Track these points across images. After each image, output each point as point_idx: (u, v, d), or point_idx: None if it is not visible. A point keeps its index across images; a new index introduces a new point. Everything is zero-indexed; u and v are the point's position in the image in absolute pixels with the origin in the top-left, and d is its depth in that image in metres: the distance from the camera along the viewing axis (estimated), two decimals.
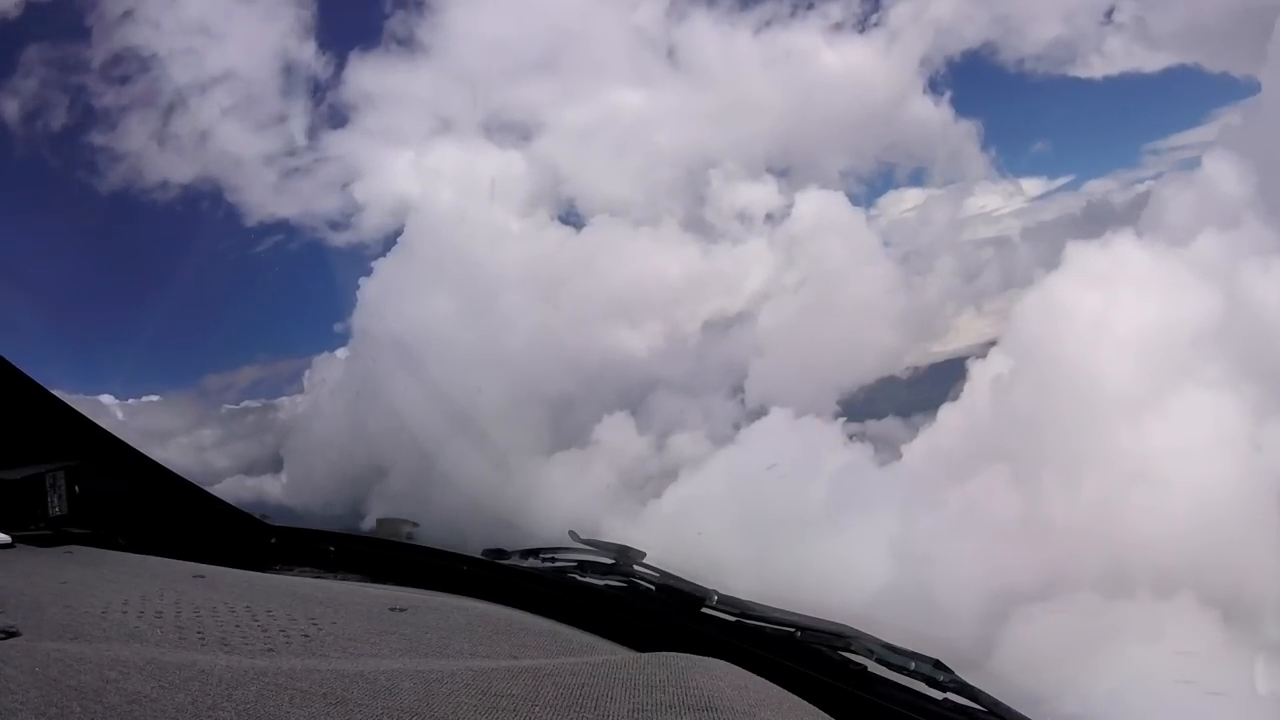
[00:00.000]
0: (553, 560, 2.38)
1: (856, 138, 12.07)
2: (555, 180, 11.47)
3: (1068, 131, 13.25)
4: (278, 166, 11.09)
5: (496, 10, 11.86)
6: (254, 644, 1.58)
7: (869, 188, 12.17)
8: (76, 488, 2.78)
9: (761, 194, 11.84)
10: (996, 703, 1.56)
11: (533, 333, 10.58)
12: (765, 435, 9.78)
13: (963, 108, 11.80)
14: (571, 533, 2.43)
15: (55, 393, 2.83)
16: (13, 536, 2.48)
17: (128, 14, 10.03)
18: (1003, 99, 12.58)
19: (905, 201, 12.37)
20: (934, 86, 11.77)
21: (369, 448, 10.47)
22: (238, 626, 1.68)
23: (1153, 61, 11.29)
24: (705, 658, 1.38)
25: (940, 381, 10.73)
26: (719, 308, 11.58)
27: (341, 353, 11.45)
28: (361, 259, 11.29)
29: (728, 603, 1.91)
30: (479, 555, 2.52)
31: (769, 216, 11.84)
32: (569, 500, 9.61)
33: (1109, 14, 11.49)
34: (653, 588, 2.06)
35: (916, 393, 11.10)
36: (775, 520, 8.30)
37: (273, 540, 2.91)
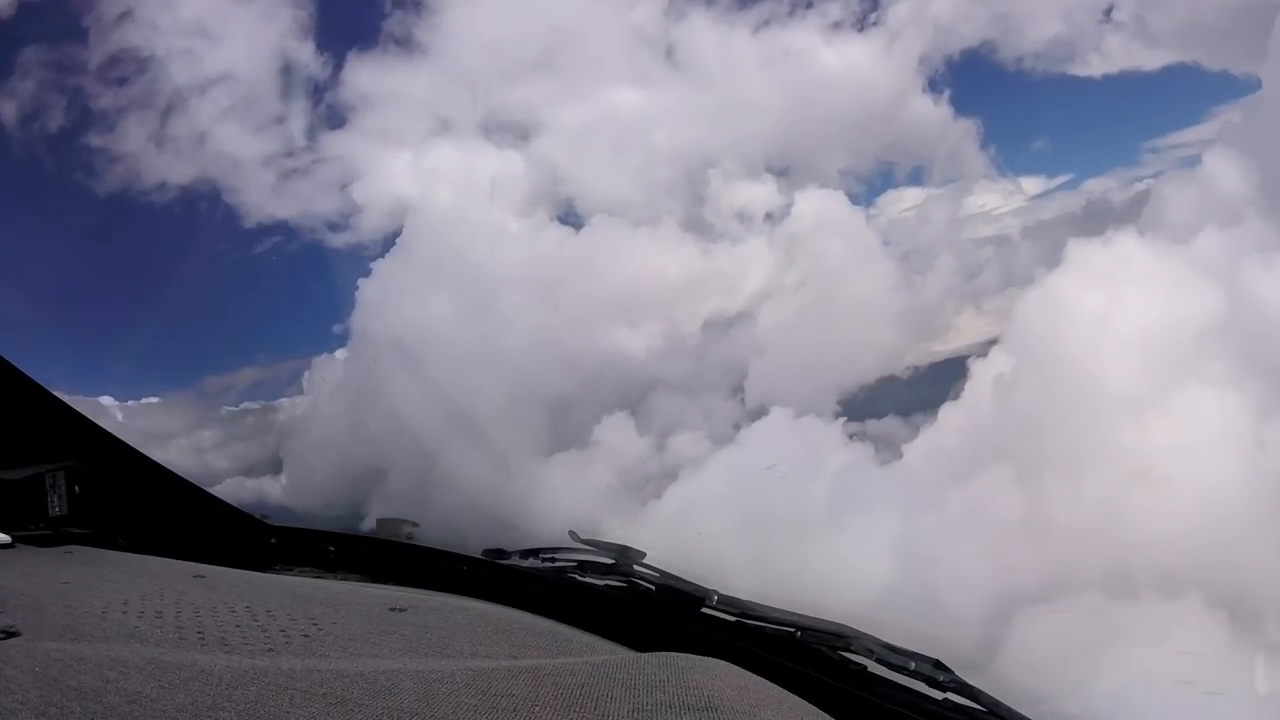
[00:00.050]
0: (553, 560, 2.38)
1: (856, 137, 12.09)
2: (554, 180, 11.48)
3: (1067, 130, 13.29)
4: (276, 167, 11.10)
5: (495, 10, 11.87)
6: (254, 644, 1.58)
7: (868, 187, 12.20)
8: (76, 488, 2.78)
9: (761, 193, 11.85)
10: (996, 703, 1.56)
11: (532, 333, 10.59)
12: (765, 435, 9.78)
13: (962, 106, 11.82)
14: (571, 533, 2.43)
15: (55, 393, 2.83)
16: (13, 536, 2.48)
17: (125, 15, 10.04)
18: (1002, 98, 12.60)
19: (905, 201, 12.39)
20: (933, 85, 11.79)
21: (368, 449, 10.47)
22: (238, 626, 1.69)
23: (1152, 60, 11.31)
24: (705, 658, 1.38)
25: (940, 381, 10.74)
26: (719, 307, 11.59)
27: (341, 354, 11.46)
28: (360, 260, 11.30)
29: (728, 603, 1.91)
30: (479, 555, 2.52)
31: (768, 216, 11.85)
32: (569, 501, 9.62)
33: (1108, 12, 11.51)
34: (653, 588, 2.06)
35: (917, 392, 11.11)
36: (776, 520, 8.30)
37: (273, 540, 2.91)
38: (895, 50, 11.69)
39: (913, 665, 1.62)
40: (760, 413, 10.28)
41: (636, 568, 2.13)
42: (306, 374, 11.62)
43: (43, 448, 2.79)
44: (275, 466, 11.25)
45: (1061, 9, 11.74)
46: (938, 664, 1.62)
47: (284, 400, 11.76)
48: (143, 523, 2.80)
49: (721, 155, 11.73)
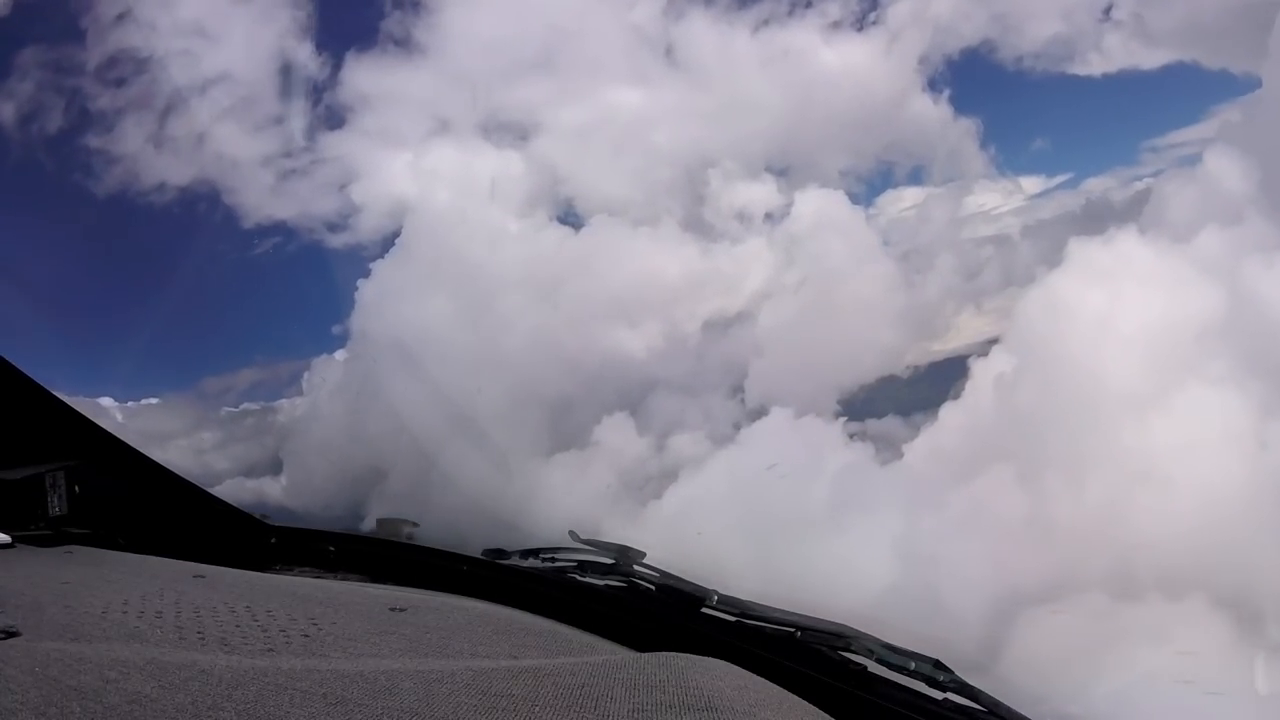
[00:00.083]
0: (553, 560, 2.38)
1: (855, 136, 12.09)
2: (553, 180, 11.48)
3: (1066, 129, 13.30)
4: (275, 168, 11.09)
5: (493, 10, 11.88)
6: (254, 644, 1.58)
7: (868, 186, 12.20)
8: (76, 488, 2.78)
9: (761, 193, 11.85)
10: (996, 703, 1.56)
11: (532, 333, 10.59)
12: (766, 435, 9.78)
13: (961, 106, 11.82)
14: (571, 533, 2.43)
15: (55, 394, 2.83)
16: (13, 536, 2.48)
17: (124, 15, 10.03)
18: (1001, 97, 12.60)
19: (904, 200, 12.38)
20: (933, 85, 11.79)
21: (368, 449, 10.47)
22: (238, 626, 1.69)
23: (1151, 59, 11.31)
24: (705, 658, 1.38)
25: (941, 380, 10.74)
26: (718, 307, 11.58)
27: (340, 354, 11.46)
28: (360, 260, 11.30)
29: (728, 603, 1.91)
30: (479, 555, 2.52)
31: (768, 216, 11.85)
32: (569, 501, 9.62)
33: (1107, 11, 11.51)
34: (653, 588, 2.06)
35: (917, 392, 11.11)
36: (776, 520, 8.30)
37: (273, 540, 2.92)
38: (895, 50, 11.70)
39: (913, 665, 1.62)
40: (760, 413, 10.30)
41: (636, 568, 2.13)
42: (306, 375, 11.64)
43: (43, 448, 2.79)
44: (275, 467, 11.26)
45: (1061, 8, 11.76)
46: (938, 664, 1.62)
47: (284, 401, 11.77)
48: (143, 523, 2.80)
49: (721, 155, 11.75)
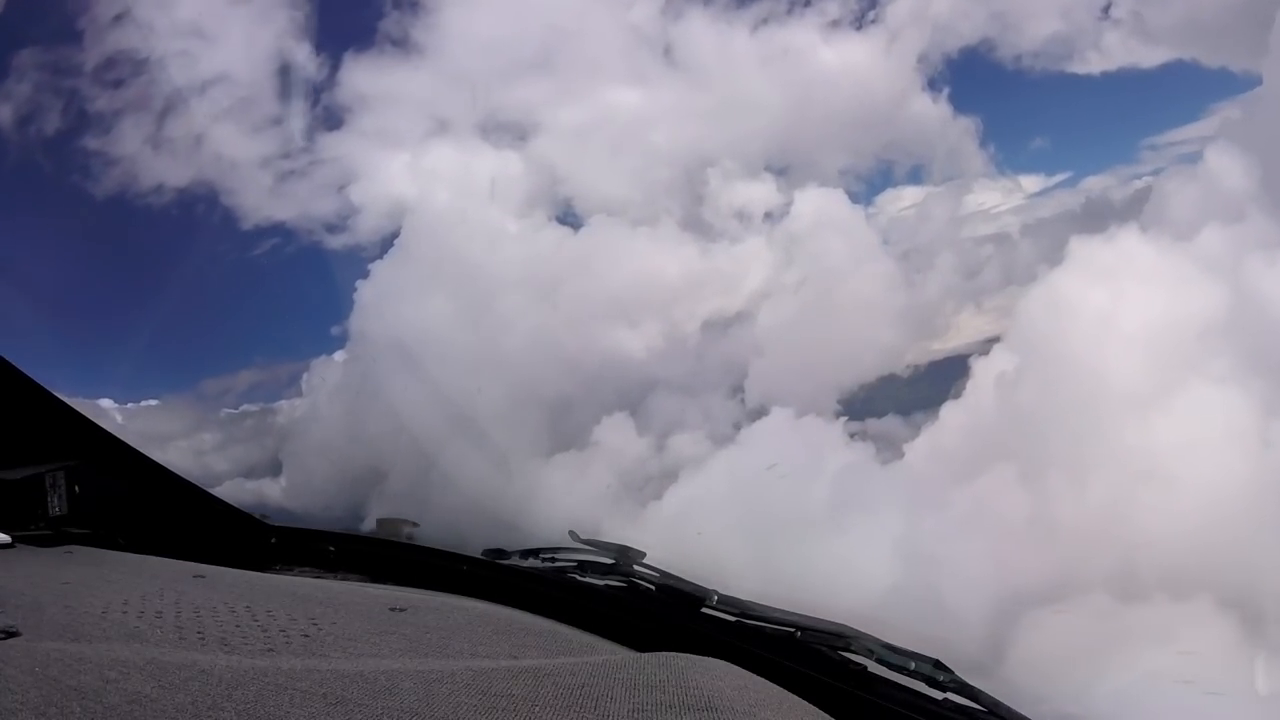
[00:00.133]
0: (553, 560, 2.38)
1: (854, 135, 12.07)
2: (552, 180, 11.47)
3: (1066, 128, 13.25)
4: (273, 169, 11.06)
5: (492, 10, 11.85)
6: (254, 644, 1.58)
7: (867, 185, 12.17)
8: (76, 488, 2.78)
9: (760, 192, 11.83)
10: (997, 703, 1.56)
11: (531, 334, 10.58)
12: (766, 435, 9.77)
13: (960, 104, 11.79)
14: (571, 533, 2.43)
15: (55, 394, 2.83)
16: (13, 536, 2.48)
17: (121, 17, 10.01)
18: (1001, 96, 12.56)
19: (904, 199, 12.36)
20: (932, 84, 11.76)
21: (368, 450, 10.47)
22: (238, 626, 1.69)
23: (1150, 57, 11.29)
24: (705, 658, 1.38)
25: (941, 379, 10.73)
26: (718, 307, 11.57)
27: (339, 356, 11.43)
28: (359, 261, 11.27)
29: (728, 603, 1.91)
30: (479, 555, 2.52)
31: (768, 215, 11.83)
32: (569, 502, 9.61)
33: (1106, 9, 11.49)
34: (653, 588, 2.07)
35: (917, 391, 11.10)
36: (777, 520, 8.29)
37: (273, 540, 2.92)
38: (894, 49, 11.69)
39: (913, 665, 1.62)
40: (760, 412, 10.28)
41: (636, 568, 2.13)
42: (305, 376, 11.62)
43: (43, 448, 2.79)
44: (275, 469, 11.26)
45: (1060, 7, 11.74)
46: (938, 664, 1.62)
47: (283, 402, 11.75)
48: (143, 523, 2.80)
49: (720, 154, 11.73)
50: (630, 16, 11.67)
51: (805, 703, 1.35)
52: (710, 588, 1.95)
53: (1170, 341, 8.47)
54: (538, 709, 1.16)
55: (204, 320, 11.59)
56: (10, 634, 1.50)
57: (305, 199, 11.23)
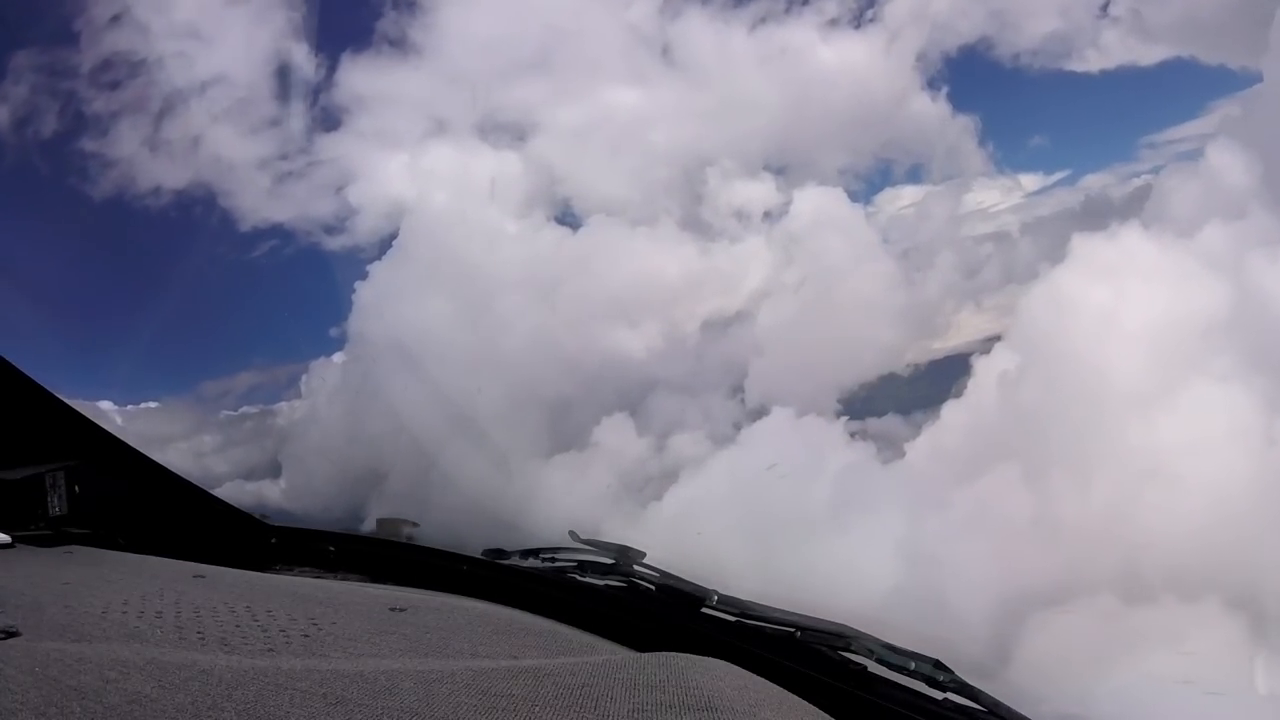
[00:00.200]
0: (553, 560, 2.38)
1: (853, 134, 12.07)
2: (551, 181, 11.46)
3: (1065, 126, 13.27)
4: (271, 170, 11.05)
5: (490, 10, 11.85)
6: (254, 644, 1.58)
7: (867, 184, 12.17)
8: (76, 488, 2.78)
9: (759, 192, 11.83)
10: (997, 703, 1.56)
11: (530, 334, 10.57)
12: (766, 435, 9.77)
13: (959, 103, 11.79)
14: (571, 533, 2.43)
15: (55, 394, 2.83)
16: (13, 536, 2.49)
17: (117, 18, 10.00)
18: (999, 94, 12.56)
19: (903, 198, 12.37)
20: (930, 82, 11.76)
21: (368, 451, 10.46)
22: (238, 626, 1.69)
23: (1149, 55, 11.30)
24: (705, 658, 1.38)
25: (941, 378, 10.73)
26: (718, 307, 11.57)
27: (339, 357, 11.43)
28: (357, 262, 11.26)
29: (728, 603, 1.91)
30: (479, 555, 2.52)
31: (767, 214, 11.83)
32: (569, 502, 9.61)
33: (1105, 8, 11.50)
34: (653, 588, 2.07)
35: (917, 390, 11.10)
36: (777, 520, 8.29)
37: (273, 540, 2.92)
38: (892, 47, 11.69)
39: (913, 665, 1.62)
40: (761, 412, 10.28)
41: (636, 568, 2.13)
42: (304, 377, 11.61)
43: (43, 448, 2.79)
44: (274, 470, 11.25)
45: (1058, 5, 11.76)
46: (938, 664, 1.62)
47: (282, 404, 11.74)
48: (143, 523, 2.80)
49: (719, 154, 11.72)
50: (628, 16, 11.68)
51: (805, 703, 1.35)
52: (710, 588, 1.95)
53: (1173, 339, 8.46)
54: (538, 709, 1.16)
55: (203, 322, 11.59)
56: (10, 634, 1.50)
57: (304, 200, 11.24)
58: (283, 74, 10.77)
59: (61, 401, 2.84)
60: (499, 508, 8.20)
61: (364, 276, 11.11)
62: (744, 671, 1.37)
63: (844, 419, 10.47)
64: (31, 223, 10.40)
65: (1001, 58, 11.65)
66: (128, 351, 10.91)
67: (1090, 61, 11.50)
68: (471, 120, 11.45)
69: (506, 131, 11.40)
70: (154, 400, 10.97)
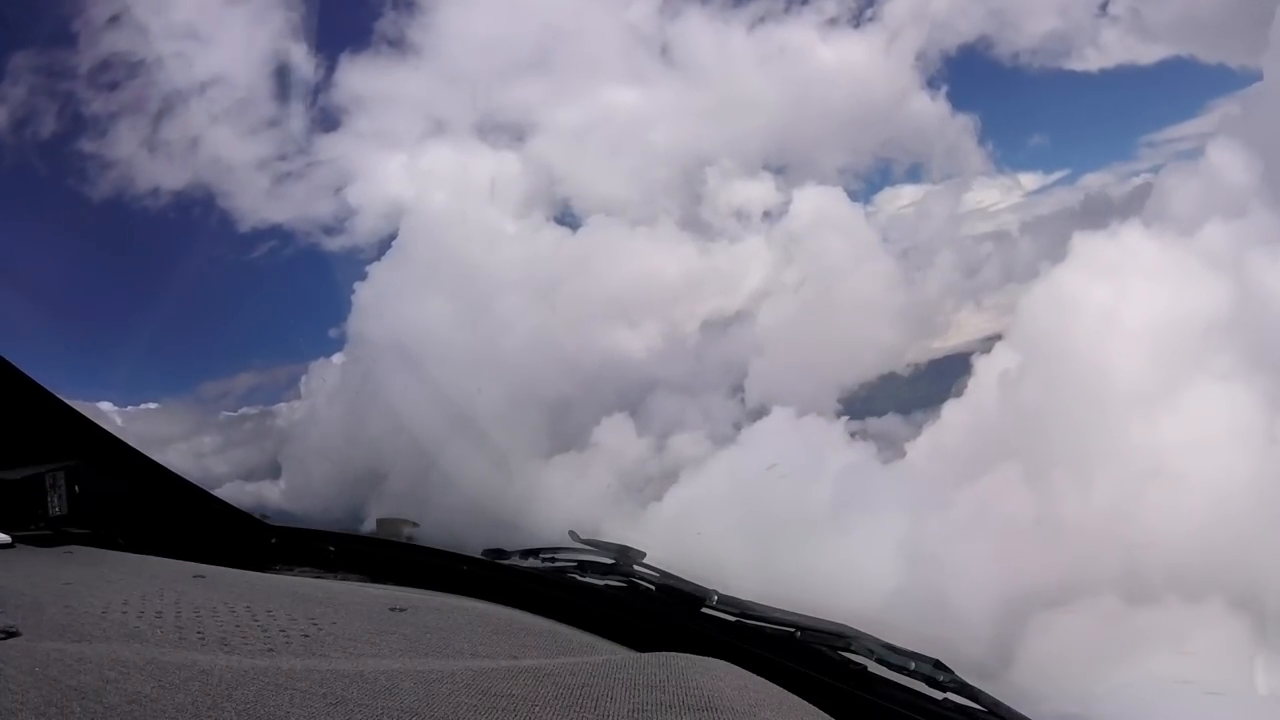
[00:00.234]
0: (553, 560, 2.38)
1: (853, 133, 12.07)
2: (550, 181, 11.46)
3: (1064, 125, 13.28)
4: (270, 171, 11.04)
5: (488, 10, 11.85)
6: (254, 644, 1.58)
7: (866, 184, 12.17)
8: (76, 488, 2.78)
9: (759, 191, 11.83)
10: (997, 703, 1.56)
11: (530, 335, 10.57)
12: (766, 435, 9.77)
13: (959, 102, 11.79)
14: (571, 533, 2.43)
15: (55, 394, 2.83)
16: (13, 536, 2.48)
17: (115, 19, 9.99)
18: (999, 93, 12.56)
19: (902, 197, 12.37)
20: (930, 81, 11.76)
21: (367, 452, 10.46)
22: (238, 626, 1.69)
23: (1148, 54, 11.31)
24: (705, 658, 1.38)
25: (941, 378, 10.73)
26: (718, 307, 11.56)
27: (338, 357, 11.42)
28: (356, 263, 11.25)
29: (728, 603, 1.91)
30: (479, 555, 2.52)
31: (766, 214, 11.82)
32: (569, 502, 9.60)
33: (1104, 6, 11.50)
34: (653, 588, 2.07)
35: (918, 389, 11.10)
36: (777, 521, 8.28)
37: (273, 540, 2.92)
38: (892, 46, 11.69)
39: (913, 665, 1.62)
40: (761, 412, 10.27)
41: (636, 568, 2.13)
42: (304, 378, 11.61)
43: (43, 448, 2.79)
44: (274, 471, 11.25)
45: (1058, 4, 11.76)
46: (938, 664, 1.62)
47: (282, 405, 11.75)
48: (143, 523, 2.80)
49: (718, 153, 11.71)
50: (627, 15, 11.68)
51: (805, 703, 1.35)
52: (710, 588, 1.95)
53: (1174, 338, 8.45)
54: (538, 709, 1.16)
55: (202, 323, 11.59)
56: (10, 634, 1.50)
57: (302, 201, 11.23)
58: (281, 74, 10.77)
59: (61, 401, 2.84)
60: (499, 508, 8.20)
61: (363, 277, 11.12)
62: (744, 671, 1.37)
63: (844, 419, 10.49)
64: (31, 224, 10.41)
65: (1001, 57, 11.66)
66: (127, 353, 10.91)
67: (1089, 60, 11.52)
68: (470, 120, 11.46)
69: (505, 132, 11.42)
70: (153, 401, 10.98)
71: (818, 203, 11.61)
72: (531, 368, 10.36)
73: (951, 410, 9.62)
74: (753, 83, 11.80)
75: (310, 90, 10.97)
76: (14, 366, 2.69)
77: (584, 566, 2.27)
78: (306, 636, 1.64)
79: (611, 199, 11.50)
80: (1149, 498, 7.73)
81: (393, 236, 11.10)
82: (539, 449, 10.13)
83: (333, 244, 11.36)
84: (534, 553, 2.43)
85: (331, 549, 2.83)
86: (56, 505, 2.75)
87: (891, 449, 9.89)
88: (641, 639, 1.82)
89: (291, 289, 12.23)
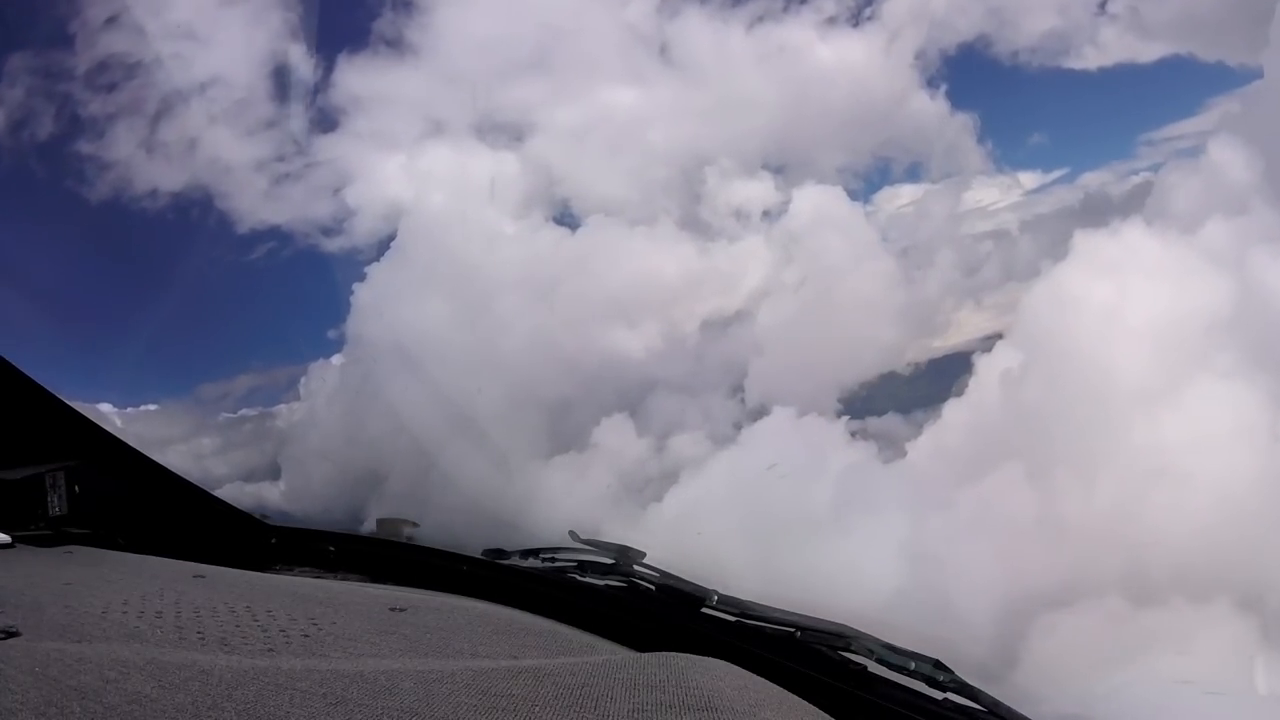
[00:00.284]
0: (553, 560, 2.38)
1: (852, 133, 12.07)
2: (549, 181, 11.45)
3: (1063, 124, 13.26)
4: (268, 172, 11.02)
5: (487, 10, 11.84)
6: (254, 644, 1.58)
7: (865, 183, 12.16)
8: (76, 488, 2.78)
9: (758, 191, 11.82)
10: (997, 703, 1.56)
11: (529, 335, 10.56)
12: (766, 434, 9.76)
13: (958, 101, 11.79)
14: (571, 533, 2.43)
15: (55, 394, 2.83)
16: (13, 536, 2.49)
17: (112, 20, 9.99)
18: (998, 92, 12.57)
19: (902, 197, 12.37)
20: (929, 80, 11.76)
21: (367, 453, 10.46)
22: (238, 626, 1.69)
23: (1147, 52, 11.32)
24: (705, 658, 1.38)
25: (941, 377, 10.74)
26: (717, 306, 11.56)
27: (337, 359, 11.42)
28: (355, 264, 11.24)
29: (728, 603, 1.91)
30: (479, 555, 2.52)
31: (766, 213, 11.81)
32: (569, 503, 9.60)
33: (1103, 5, 11.51)
34: (653, 588, 2.06)
35: (918, 389, 11.11)
36: (778, 521, 8.28)
37: (273, 540, 2.92)
38: (890, 45, 11.68)
39: (913, 665, 1.62)
40: (761, 412, 10.26)
41: (636, 568, 2.13)
42: (303, 380, 11.60)
43: (43, 448, 2.79)
44: (274, 472, 11.25)
45: (1057, 3, 11.77)
46: (938, 664, 1.62)
47: (281, 406, 11.74)
48: (143, 523, 2.80)
49: (718, 153, 11.70)
50: (626, 15, 11.67)
51: (805, 703, 1.35)
52: (710, 588, 1.95)
53: (1176, 336, 8.44)
54: (538, 709, 1.16)
55: (201, 324, 11.57)
56: (10, 634, 1.50)
57: (301, 202, 11.22)
58: (280, 75, 10.76)
59: (61, 402, 2.84)
60: (499, 508, 8.20)
61: (362, 278, 11.11)
62: (744, 671, 1.37)
63: (844, 418, 10.48)
64: (31, 225, 10.40)
65: (1000, 56, 11.67)
66: (126, 354, 10.90)
67: (1088, 59, 11.53)
68: (469, 121, 11.46)
69: (504, 132, 11.41)
70: (153, 403, 10.98)
71: (817, 202, 11.61)
72: (531, 368, 10.36)
73: (952, 409, 9.62)
74: (752, 82, 11.81)
75: (309, 91, 10.97)
76: (14, 367, 2.69)
77: (584, 566, 2.27)
78: (306, 636, 1.64)
79: (611, 199, 11.51)
80: (1151, 497, 7.71)
81: (392, 237, 11.11)
82: (539, 449, 10.14)
83: (332, 245, 11.36)
84: (534, 553, 2.43)
85: (331, 549, 2.83)
86: (56, 505, 2.75)
87: (892, 448, 9.89)
88: (641, 639, 1.82)
89: (290, 290, 12.23)
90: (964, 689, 1.58)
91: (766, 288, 11.55)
